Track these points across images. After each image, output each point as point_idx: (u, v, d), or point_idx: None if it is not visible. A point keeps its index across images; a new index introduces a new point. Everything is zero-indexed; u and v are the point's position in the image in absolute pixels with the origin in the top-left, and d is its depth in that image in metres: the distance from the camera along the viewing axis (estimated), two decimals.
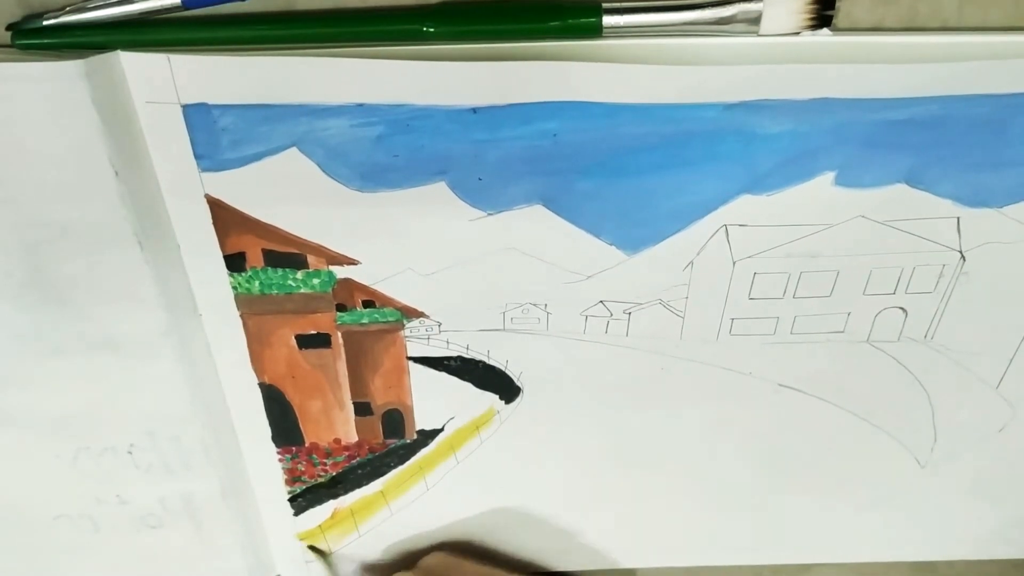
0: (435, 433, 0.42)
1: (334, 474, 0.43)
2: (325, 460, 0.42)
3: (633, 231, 0.34)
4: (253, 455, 0.42)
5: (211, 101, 0.31)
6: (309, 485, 0.43)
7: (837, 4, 0.30)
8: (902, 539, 0.47)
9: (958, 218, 0.34)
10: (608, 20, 0.29)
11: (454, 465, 0.43)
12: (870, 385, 0.40)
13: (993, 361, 0.39)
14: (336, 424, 0.41)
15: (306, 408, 0.40)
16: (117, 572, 0.46)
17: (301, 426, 0.41)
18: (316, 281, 0.36)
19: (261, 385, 0.39)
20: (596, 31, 0.30)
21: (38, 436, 0.40)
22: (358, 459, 0.42)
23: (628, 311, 0.37)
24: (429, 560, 0.43)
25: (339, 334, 0.38)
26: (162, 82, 0.30)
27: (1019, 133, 0.32)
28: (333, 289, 0.36)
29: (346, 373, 0.39)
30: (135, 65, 0.30)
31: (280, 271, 0.36)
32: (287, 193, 0.33)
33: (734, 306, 0.37)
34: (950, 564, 0.48)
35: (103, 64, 0.30)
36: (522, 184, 0.33)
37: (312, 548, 0.45)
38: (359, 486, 0.44)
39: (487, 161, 0.32)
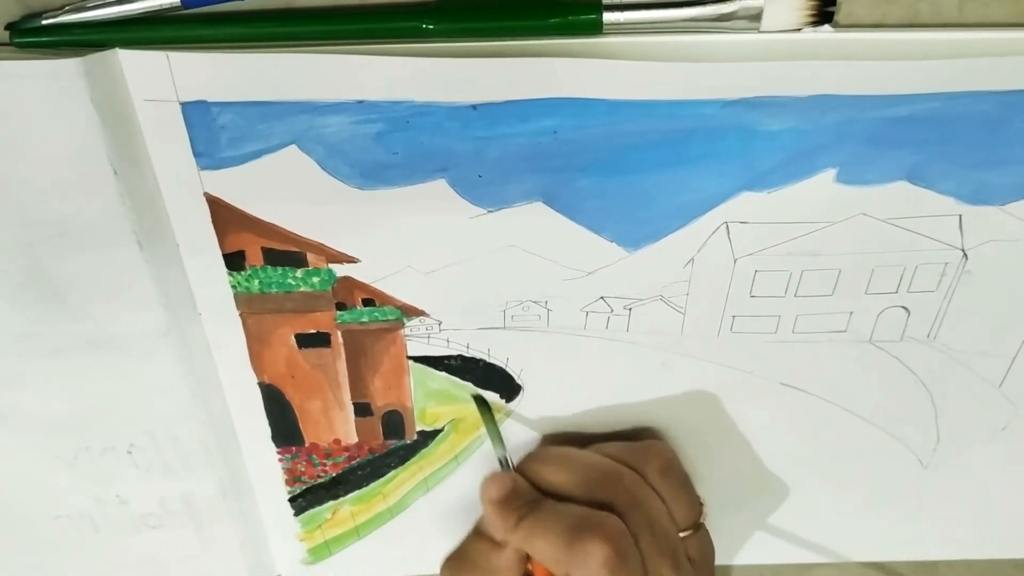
0: (435, 433, 0.42)
1: (334, 475, 0.43)
2: (325, 461, 0.42)
3: (634, 228, 0.34)
4: (253, 455, 0.42)
5: (210, 99, 0.31)
6: (309, 485, 0.43)
7: (838, 1, 0.30)
8: (902, 539, 0.47)
9: (960, 216, 0.34)
10: (608, 16, 0.29)
11: (455, 466, 0.43)
12: (872, 385, 0.40)
13: (996, 360, 0.39)
14: (336, 424, 0.41)
15: (306, 408, 0.40)
16: (117, 572, 0.46)
17: (301, 426, 0.41)
18: (316, 279, 0.36)
19: (261, 385, 0.39)
20: (596, 28, 0.30)
21: (38, 436, 0.40)
22: (358, 460, 0.42)
23: (629, 307, 0.37)
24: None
25: (339, 333, 0.38)
26: (161, 80, 0.30)
27: (1021, 130, 0.32)
28: (333, 287, 0.36)
29: (346, 373, 0.39)
30: (134, 63, 0.30)
31: (279, 269, 0.36)
32: (286, 191, 0.33)
33: (735, 304, 0.37)
34: (950, 564, 0.48)
35: (102, 62, 0.30)
36: (522, 181, 0.33)
37: (478, 399, 0.39)
38: (359, 487, 0.43)
39: (487, 158, 0.32)
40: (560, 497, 0.36)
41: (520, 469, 0.38)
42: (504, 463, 0.38)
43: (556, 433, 0.41)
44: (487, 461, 0.42)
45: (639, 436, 0.41)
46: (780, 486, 0.44)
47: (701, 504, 0.38)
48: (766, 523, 0.46)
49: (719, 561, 0.48)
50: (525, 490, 0.36)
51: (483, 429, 0.41)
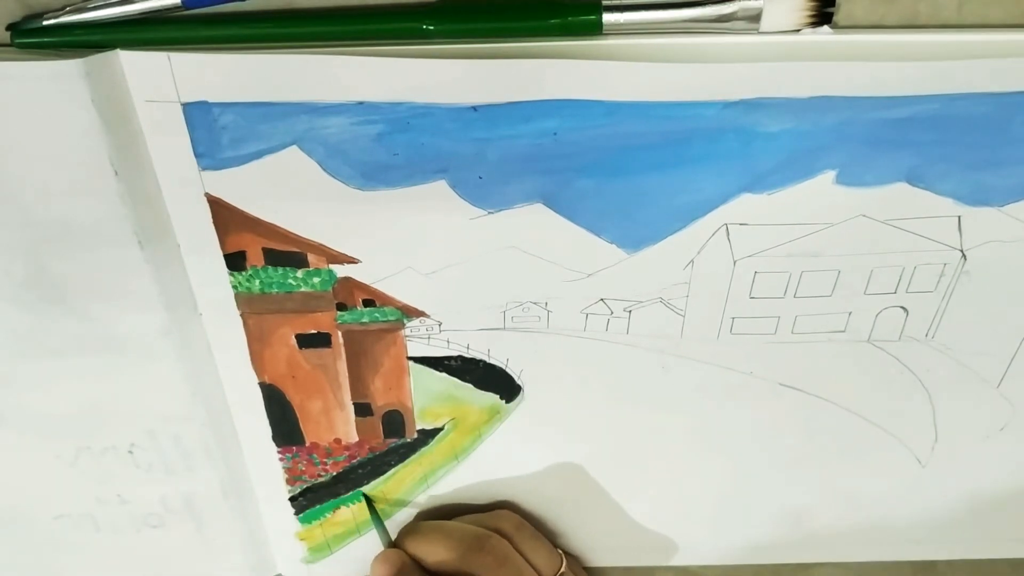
0: (435, 432, 0.42)
1: (335, 473, 0.43)
2: (326, 460, 0.42)
3: (634, 229, 0.34)
4: (254, 455, 0.42)
5: (211, 99, 0.31)
6: (310, 485, 0.43)
7: (837, 2, 0.30)
8: (902, 539, 0.47)
9: (959, 217, 0.34)
10: (608, 18, 0.29)
11: (455, 464, 0.43)
12: (871, 384, 0.40)
13: (994, 360, 0.39)
14: (336, 424, 0.41)
15: (306, 408, 0.40)
16: (118, 571, 0.46)
17: (301, 426, 0.41)
18: (316, 280, 0.36)
19: (261, 385, 0.39)
20: (596, 29, 0.30)
21: (39, 436, 0.40)
22: (359, 459, 0.43)
23: (629, 309, 0.37)
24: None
25: (339, 333, 0.38)
26: (162, 80, 0.30)
27: (1020, 131, 0.32)
28: (333, 288, 0.36)
29: (346, 373, 0.39)
30: (135, 64, 0.30)
31: (280, 270, 0.36)
32: (287, 191, 0.33)
33: (735, 305, 0.37)
34: (950, 564, 0.48)
35: (103, 63, 0.30)
36: (522, 182, 0.33)
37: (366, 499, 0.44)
38: (360, 485, 0.44)
39: (487, 159, 0.32)
40: (441, 565, 0.40)
41: (402, 544, 0.42)
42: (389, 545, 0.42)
43: (428, 509, 0.45)
44: (487, 459, 0.43)
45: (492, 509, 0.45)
46: (779, 486, 0.44)
47: (561, 557, 0.43)
48: (765, 522, 0.46)
49: (720, 561, 0.48)
50: (409, 570, 0.41)
51: (483, 428, 0.41)
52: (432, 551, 0.41)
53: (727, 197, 0.33)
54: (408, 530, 0.43)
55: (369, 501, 0.44)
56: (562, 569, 0.43)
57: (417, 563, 0.41)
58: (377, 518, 0.44)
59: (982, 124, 0.31)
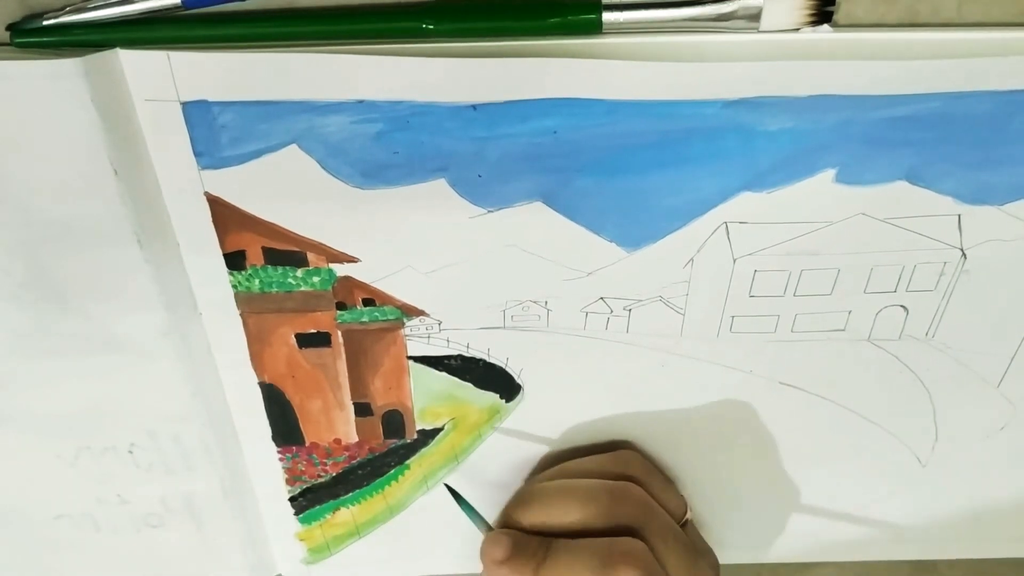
0: (435, 432, 0.42)
1: (335, 474, 0.43)
2: (325, 460, 0.42)
3: (633, 228, 0.34)
4: (253, 455, 0.42)
5: (211, 98, 0.31)
6: (310, 485, 0.43)
7: (837, 1, 0.30)
8: (902, 539, 0.47)
9: (959, 216, 0.34)
10: (608, 16, 0.29)
11: (455, 464, 0.43)
12: (871, 383, 0.40)
13: (994, 359, 0.39)
14: (336, 424, 0.41)
15: (306, 408, 0.40)
16: (118, 571, 0.46)
17: (301, 426, 0.41)
18: (316, 279, 0.36)
19: (261, 385, 0.39)
20: (596, 28, 0.30)
21: (39, 436, 0.40)
22: (358, 459, 0.43)
23: (628, 308, 0.37)
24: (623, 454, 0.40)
25: (339, 333, 0.38)
26: (161, 80, 0.30)
27: (1020, 130, 0.32)
28: (333, 287, 0.36)
29: (346, 373, 0.39)
30: (134, 63, 0.30)
31: (280, 269, 0.36)
32: (287, 190, 0.33)
33: (734, 304, 0.37)
34: (950, 564, 0.48)
35: (102, 62, 0.30)
36: (522, 181, 0.33)
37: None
38: (359, 486, 0.44)
39: (487, 158, 0.32)
40: (575, 526, 0.36)
41: (517, 517, 0.37)
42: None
43: (535, 466, 0.42)
44: (487, 460, 0.43)
45: (606, 448, 0.41)
46: (779, 485, 0.44)
47: (686, 501, 0.40)
48: (765, 522, 0.46)
49: (719, 561, 0.48)
50: (526, 540, 0.36)
51: (482, 428, 0.41)
52: (562, 513, 0.36)
53: (727, 196, 0.33)
54: (521, 500, 0.38)
55: (454, 493, 0.40)
56: (688, 515, 0.39)
57: (537, 532, 0.36)
58: (468, 506, 0.39)
59: (982, 123, 0.31)
